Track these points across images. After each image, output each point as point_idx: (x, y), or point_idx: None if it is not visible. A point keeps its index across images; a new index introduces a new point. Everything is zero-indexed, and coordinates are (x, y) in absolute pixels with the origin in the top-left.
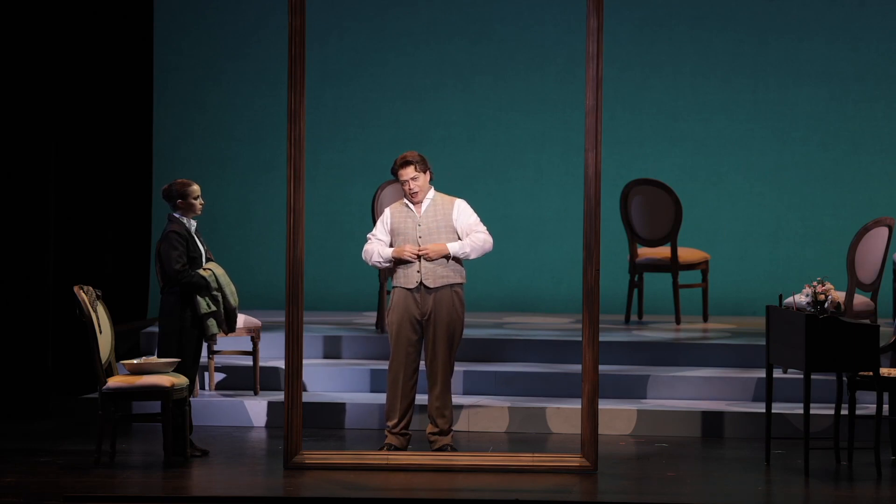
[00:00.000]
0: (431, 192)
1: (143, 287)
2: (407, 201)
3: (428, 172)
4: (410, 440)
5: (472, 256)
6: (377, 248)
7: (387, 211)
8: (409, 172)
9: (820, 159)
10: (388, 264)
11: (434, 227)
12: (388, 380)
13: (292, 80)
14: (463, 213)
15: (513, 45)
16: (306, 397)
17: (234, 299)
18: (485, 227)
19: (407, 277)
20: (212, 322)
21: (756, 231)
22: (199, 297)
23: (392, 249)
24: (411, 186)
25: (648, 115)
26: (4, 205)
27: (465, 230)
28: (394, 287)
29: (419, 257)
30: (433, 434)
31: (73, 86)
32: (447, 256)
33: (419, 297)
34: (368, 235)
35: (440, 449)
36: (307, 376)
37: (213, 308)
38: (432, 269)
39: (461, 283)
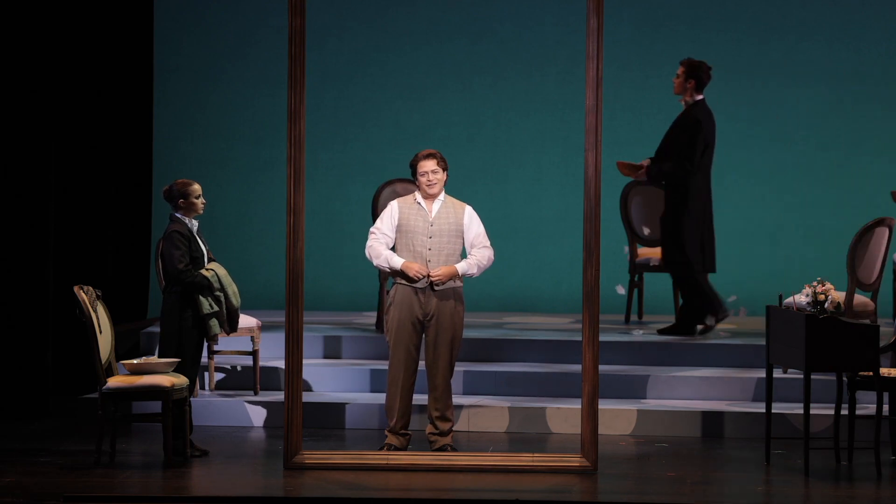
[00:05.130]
0: (443, 194)
1: (143, 287)
2: (419, 199)
3: (445, 174)
4: (410, 440)
5: (476, 276)
6: (386, 253)
7: (394, 205)
8: (430, 164)
9: (820, 160)
10: (389, 271)
11: (445, 229)
12: (387, 380)
13: (292, 80)
14: (474, 222)
15: (513, 45)
16: (306, 397)
17: (236, 300)
18: (489, 241)
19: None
20: (214, 322)
21: (756, 231)
22: (201, 298)
23: (402, 262)
24: (430, 178)
25: (648, 115)
26: (4, 205)
27: (472, 241)
28: (395, 283)
29: (426, 275)
30: (433, 434)
31: (73, 86)
32: (454, 277)
33: (423, 297)
34: (372, 230)
35: (440, 449)
36: (307, 376)
37: (216, 308)
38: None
39: (461, 284)
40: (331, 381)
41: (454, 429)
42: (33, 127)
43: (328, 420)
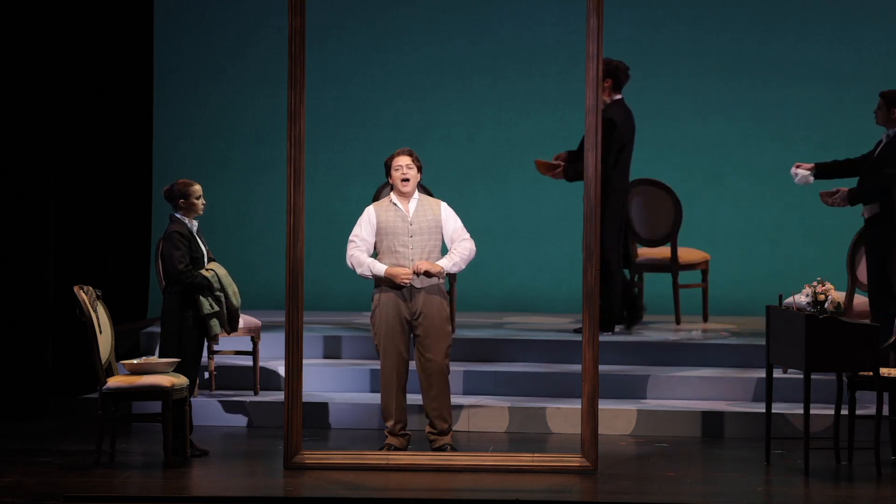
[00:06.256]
0: (417, 193)
1: (143, 287)
2: (394, 200)
3: (420, 173)
4: (410, 440)
5: (462, 269)
6: (368, 261)
7: (370, 210)
8: (405, 160)
9: (820, 160)
10: (372, 279)
11: (425, 227)
12: (381, 383)
13: (292, 80)
14: (451, 217)
15: (513, 45)
16: (306, 397)
17: (236, 300)
18: (468, 234)
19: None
20: (214, 322)
21: (756, 231)
22: (201, 298)
23: (385, 268)
24: (405, 172)
25: (648, 115)
26: (4, 205)
27: (452, 236)
28: (378, 288)
29: (417, 274)
30: (432, 434)
31: (73, 86)
32: (440, 274)
33: (408, 296)
34: (351, 237)
35: (439, 448)
36: (307, 376)
37: (216, 308)
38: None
39: (443, 280)
40: (331, 381)
41: (454, 429)
42: (33, 127)
43: (328, 420)
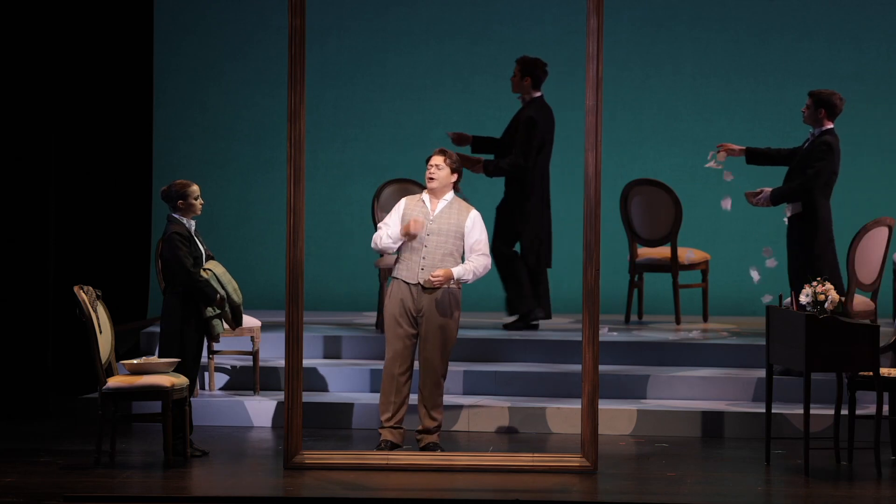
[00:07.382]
0: (450, 195)
1: (143, 287)
2: (424, 197)
3: (455, 174)
4: (405, 435)
5: (471, 282)
6: (385, 230)
7: (403, 200)
8: (437, 159)
9: None
10: (395, 245)
11: (444, 229)
12: (383, 373)
13: (292, 80)
14: (476, 227)
15: (513, 45)
16: (307, 397)
17: (237, 296)
18: (488, 249)
19: (409, 270)
20: (217, 322)
21: (756, 231)
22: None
23: (400, 227)
24: (432, 172)
25: (648, 115)
26: (4, 205)
27: (472, 246)
28: (393, 278)
29: (426, 272)
30: (420, 433)
31: (74, 86)
32: (450, 280)
33: (416, 292)
34: (380, 224)
35: (426, 447)
36: (311, 375)
37: (218, 311)
38: (433, 267)
39: (458, 287)
40: (331, 381)
41: (454, 429)
42: (33, 127)
43: (328, 420)
